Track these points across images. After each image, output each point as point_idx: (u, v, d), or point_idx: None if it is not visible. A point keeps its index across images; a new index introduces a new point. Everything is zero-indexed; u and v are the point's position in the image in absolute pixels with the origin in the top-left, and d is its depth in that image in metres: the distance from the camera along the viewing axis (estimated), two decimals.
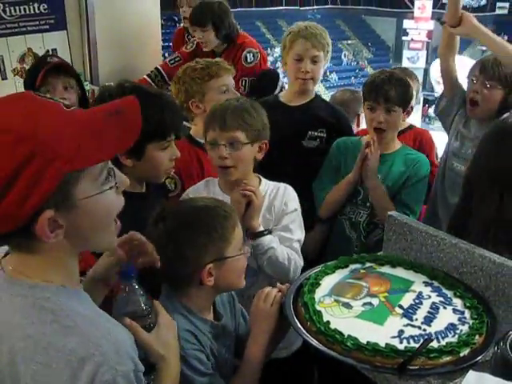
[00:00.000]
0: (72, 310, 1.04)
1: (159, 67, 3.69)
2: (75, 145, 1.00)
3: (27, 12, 3.72)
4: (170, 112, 1.86)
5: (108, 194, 1.08)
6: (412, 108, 2.58)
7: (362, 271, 1.69)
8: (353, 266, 1.71)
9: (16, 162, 0.95)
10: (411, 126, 3.16)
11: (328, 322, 1.42)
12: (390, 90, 2.41)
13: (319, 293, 1.56)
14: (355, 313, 1.48)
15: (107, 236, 1.14)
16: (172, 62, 3.68)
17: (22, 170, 0.95)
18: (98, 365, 0.98)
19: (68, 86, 2.71)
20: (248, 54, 3.59)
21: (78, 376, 0.97)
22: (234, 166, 2.00)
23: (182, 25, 4.41)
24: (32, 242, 1.03)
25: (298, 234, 2.07)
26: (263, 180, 2.13)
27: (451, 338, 1.39)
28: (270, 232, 1.99)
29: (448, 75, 2.76)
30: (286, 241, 2.02)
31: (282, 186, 2.12)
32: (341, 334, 1.38)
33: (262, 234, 1.96)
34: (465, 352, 1.36)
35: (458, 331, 1.42)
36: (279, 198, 2.08)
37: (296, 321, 1.47)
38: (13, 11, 3.64)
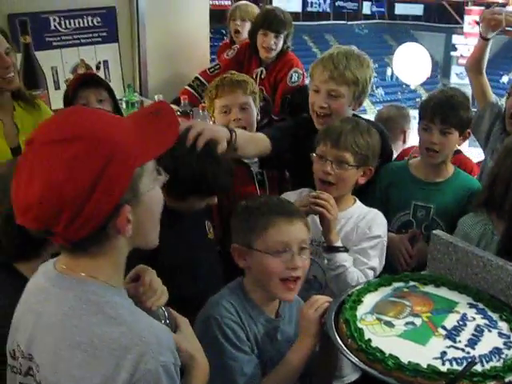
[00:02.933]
0: (116, 303, 1.09)
1: (199, 76, 3.67)
2: (138, 142, 1.07)
3: (81, 25, 3.83)
4: None
5: (158, 189, 1.16)
6: (469, 133, 2.40)
7: (405, 290, 1.67)
8: (396, 285, 1.69)
9: (99, 164, 1.01)
10: (458, 151, 2.94)
11: (369, 340, 1.41)
12: (449, 112, 2.27)
13: (361, 310, 1.55)
14: (397, 332, 1.47)
15: (156, 232, 1.19)
16: (212, 70, 3.65)
17: (104, 170, 1.01)
18: (140, 354, 1.02)
19: (102, 99, 2.67)
20: (294, 74, 3.56)
21: (121, 364, 1.01)
22: (335, 183, 2.04)
23: (226, 39, 4.43)
24: (95, 245, 1.08)
25: (375, 261, 2.03)
26: (358, 202, 2.14)
27: (496, 363, 1.36)
28: (346, 250, 1.98)
29: (478, 88, 2.68)
30: (360, 264, 2.00)
31: (374, 211, 2.13)
32: (382, 352, 1.36)
33: (337, 249, 1.96)
34: (510, 377, 1.32)
35: (503, 355, 1.39)
36: (365, 222, 2.07)
37: (337, 337, 1.47)
38: (68, 24, 3.75)
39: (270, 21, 3.52)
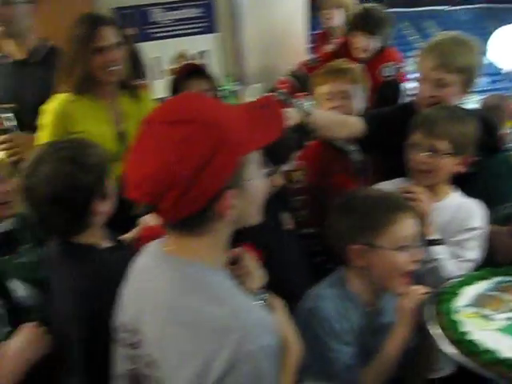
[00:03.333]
0: (219, 284, 1.12)
1: (298, 66, 3.66)
2: (246, 131, 1.10)
3: (181, 16, 3.95)
4: None
5: (262, 178, 1.18)
6: None
7: (507, 284, 1.61)
8: (498, 278, 1.64)
9: (208, 148, 1.05)
10: None
11: (467, 333, 1.38)
12: None
13: (460, 302, 1.52)
14: (496, 326, 1.43)
15: (258, 214, 1.21)
16: (311, 62, 3.65)
17: (213, 155, 1.04)
18: (242, 335, 1.03)
19: (206, 88, 2.68)
20: (385, 69, 3.48)
21: (223, 344, 1.03)
22: (429, 172, 1.99)
23: (323, 28, 4.40)
24: (199, 226, 1.12)
25: (473, 254, 1.95)
26: (456, 192, 2.07)
27: None
28: (442, 242, 1.93)
29: None
30: (458, 256, 1.94)
31: (473, 201, 2.04)
32: (480, 345, 1.34)
33: (432, 242, 1.92)
34: None
35: None
36: (462, 213, 1.99)
37: (434, 329, 1.45)
38: (169, 16, 3.89)
39: (366, 22, 3.44)
